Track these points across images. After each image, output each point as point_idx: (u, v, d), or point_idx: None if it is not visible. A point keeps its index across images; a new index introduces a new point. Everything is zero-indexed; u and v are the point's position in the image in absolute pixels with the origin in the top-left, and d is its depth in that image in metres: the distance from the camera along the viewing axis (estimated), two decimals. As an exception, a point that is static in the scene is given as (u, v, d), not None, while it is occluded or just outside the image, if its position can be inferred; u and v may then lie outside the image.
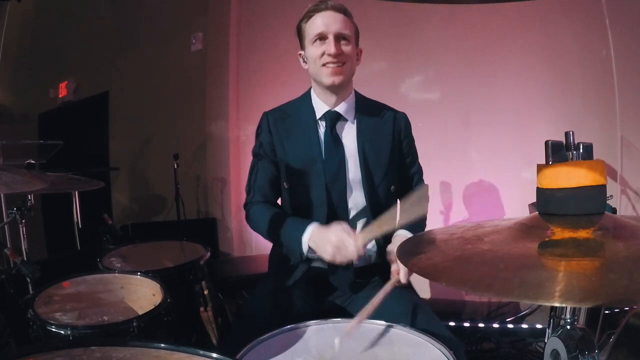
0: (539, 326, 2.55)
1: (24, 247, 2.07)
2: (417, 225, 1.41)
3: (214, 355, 0.71)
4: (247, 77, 3.47)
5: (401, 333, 1.06)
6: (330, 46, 1.33)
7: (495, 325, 2.62)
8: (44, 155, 2.70)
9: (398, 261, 1.17)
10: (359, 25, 1.43)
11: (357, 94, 1.50)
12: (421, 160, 1.57)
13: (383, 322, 1.09)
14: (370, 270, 1.42)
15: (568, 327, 0.71)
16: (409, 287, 1.40)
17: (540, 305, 2.36)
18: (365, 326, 1.10)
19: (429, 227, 1.48)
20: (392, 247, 1.31)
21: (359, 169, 1.40)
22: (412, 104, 3.00)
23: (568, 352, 0.68)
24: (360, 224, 1.40)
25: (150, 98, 3.82)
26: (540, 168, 0.79)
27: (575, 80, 2.72)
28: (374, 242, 1.41)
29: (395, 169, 1.46)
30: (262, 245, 3.17)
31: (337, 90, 1.40)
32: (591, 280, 0.57)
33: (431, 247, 0.80)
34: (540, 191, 0.78)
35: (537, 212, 0.79)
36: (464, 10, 2.93)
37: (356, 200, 1.40)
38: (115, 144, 4.14)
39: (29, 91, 4.63)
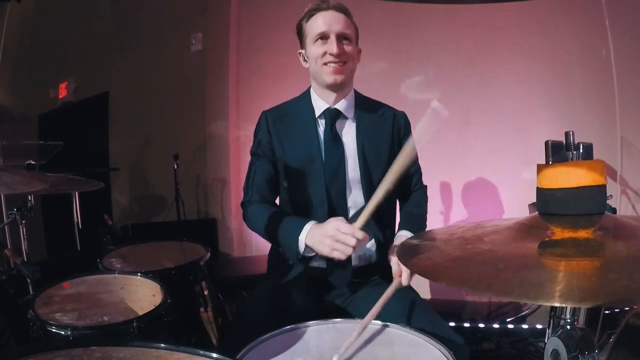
0: (539, 326, 2.55)
1: (24, 247, 2.07)
2: (418, 226, 1.42)
3: (214, 355, 0.71)
4: (247, 77, 3.47)
5: (401, 333, 1.06)
6: (332, 46, 1.33)
7: (496, 326, 2.62)
8: (44, 156, 2.70)
9: (400, 263, 1.16)
10: (359, 25, 1.43)
11: (356, 93, 1.50)
12: (421, 160, 1.57)
13: (383, 322, 1.09)
14: (369, 270, 1.42)
15: (568, 327, 0.71)
16: (408, 286, 1.40)
17: (540, 305, 2.36)
18: (365, 326, 1.10)
19: (429, 227, 1.48)
20: (394, 249, 1.30)
21: (358, 167, 1.40)
22: (412, 104, 2.99)
23: (568, 352, 0.68)
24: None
25: (150, 98, 3.82)
26: (540, 168, 0.79)
27: (575, 80, 2.72)
28: (373, 241, 1.41)
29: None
30: (262, 246, 3.17)
31: (337, 88, 1.41)
32: (591, 280, 0.57)
33: (431, 247, 0.80)
34: (540, 191, 0.79)
35: (537, 212, 0.79)
36: (464, 10, 2.94)
37: (355, 199, 1.40)
38: (115, 144, 4.14)
39: (29, 91, 4.62)
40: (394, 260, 1.24)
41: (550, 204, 0.76)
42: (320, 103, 1.43)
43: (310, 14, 1.39)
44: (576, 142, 0.78)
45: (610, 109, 2.62)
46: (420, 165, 1.58)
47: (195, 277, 1.79)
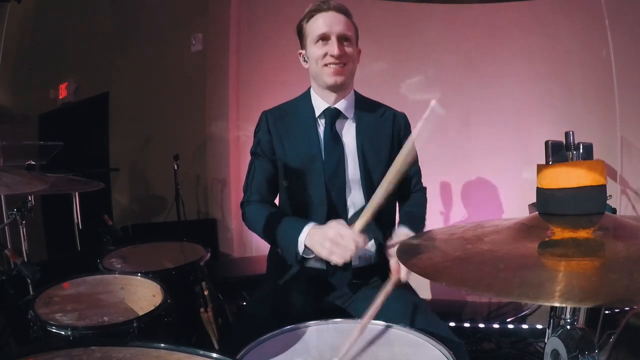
0: (539, 326, 2.55)
1: (24, 248, 2.07)
2: (417, 225, 1.41)
3: (214, 355, 0.71)
4: (247, 77, 3.47)
5: (401, 333, 1.06)
6: (333, 47, 1.33)
7: (496, 326, 2.62)
8: (44, 156, 2.70)
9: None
10: (359, 25, 1.44)
11: (356, 93, 1.50)
12: (421, 160, 1.57)
13: (383, 322, 1.09)
14: (369, 271, 1.42)
15: (568, 327, 0.71)
16: (408, 287, 1.40)
17: (540, 305, 2.36)
18: (365, 326, 1.10)
19: (429, 227, 1.48)
20: (392, 244, 1.29)
21: (358, 167, 1.40)
22: (412, 104, 3.00)
23: (568, 352, 0.68)
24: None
25: (150, 98, 3.82)
26: (540, 168, 0.79)
27: (575, 80, 2.72)
28: (373, 241, 1.41)
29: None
30: (262, 246, 3.17)
31: (337, 89, 1.41)
32: (591, 280, 0.57)
33: (431, 247, 0.80)
34: (540, 191, 0.79)
35: (537, 212, 0.79)
36: (464, 10, 2.94)
37: (355, 199, 1.40)
38: (115, 145, 4.14)
39: (29, 91, 4.62)
40: (392, 256, 1.23)
41: (550, 204, 0.76)
42: (320, 103, 1.44)
43: (310, 15, 1.39)
44: (576, 142, 0.78)
45: (610, 109, 2.62)
46: (421, 166, 1.58)
47: (195, 277, 1.79)
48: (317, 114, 1.43)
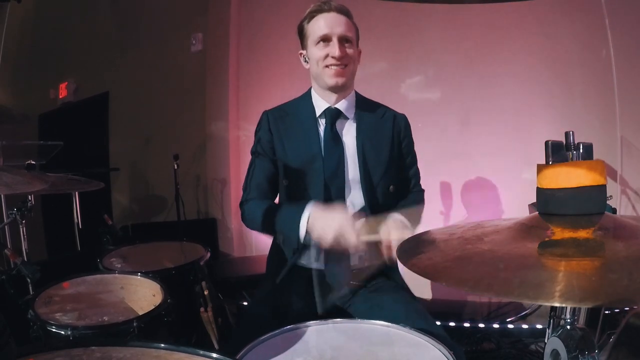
0: (539, 326, 2.55)
1: (24, 247, 2.07)
2: (412, 217, 1.38)
3: (214, 355, 0.71)
4: (247, 77, 3.47)
5: (401, 333, 1.06)
6: (334, 49, 1.34)
7: (496, 326, 2.62)
8: (44, 156, 2.71)
9: (391, 232, 1.16)
10: (359, 25, 1.44)
11: (357, 94, 1.50)
12: (421, 160, 1.57)
13: (383, 322, 1.09)
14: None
15: (568, 327, 0.71)
16: (406, 289, 1.40)
17: (540, 305, 2.36)
18: (365, 326, 1.10)
19: (429, 227, 1.48)
20: (386, 223, 1.24)
21: (358, 167, 1.40)
22: (412, 104, 3.00)
23: (568, 352, 0.68)
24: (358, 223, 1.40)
25: (150, 98, 3.82)
26: (540, 168, 0.79)
27: (575, 80, 2.72)
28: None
29: (394, 169, 1.46)
30: (262, 246, 3.17)
31: (338, 90, 1.41)
32: (591, 280, 0.57)
33: (431, 247, 0.80)
34: (540, 191, 0.79)
35: (537, 212, 0.79)
36: (464, 10, 2.93)
37: (355, 199, 1.40)
38: (115, 144, 4.14)
39: (29, 91, 4.62)
40: (384, 230, 1.19)
41: (550, 204, 0.76)
42: (321, 103, 1.44)
43: (311, 16, 1.39)
44: (576, 142, 0.78)
45: (610, 109, 2.62)
46: (421, 166, 1.57)
47: (195, 277, 1.79)
48: (318, 113, 1.43)
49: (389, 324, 1.09)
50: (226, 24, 3.45)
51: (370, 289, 1.38)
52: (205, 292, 1.59)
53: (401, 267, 1.30)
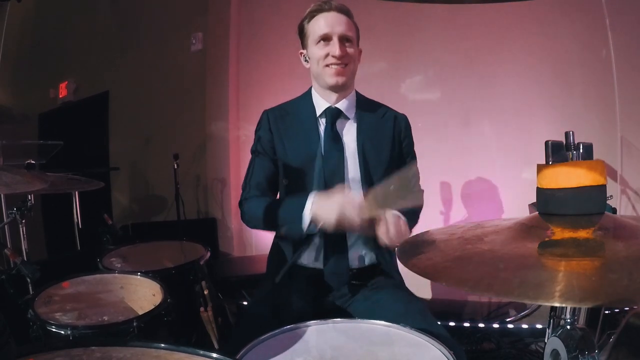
0: (539, 326, 2.55)
1: (24, 247, 2.07)
2: (409, 216, 1.38)
3: (214, 355, 0.71)
4: (247, 77, 3.47)
5: (401, 333, 1.06)
6: (335, 48, 1.34)
7: (496, 326, 2.62)
8: (44, 156, 2.70)
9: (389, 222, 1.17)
10: (359, 25, 1.44)
11: (358, 94, 1.50)
12: (421, 160, 1.57)
13: (383, 322, 1.09)
14: (369, 272, 1.42)
15: (568, 327, 0.71)
16: (406, 289, 1.40)
17: (540, 305, 2.36)
18: (365, 326, 1.10)
19: (429, 227, 1.48)
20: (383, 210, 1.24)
21: (358, 167, 1.40)
22: (412, 104, 3.00)
23: (568, 352, 0.68)
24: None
25: (150, 98, 3.82)
26: (540, 168, 0.79)
27: (575, 80, 2.72)
28: (372, 242, 1.40)
29: (395, 169, 1.45)
30: (262, 245, 3.18)
31: (339, 89, 1.41)
32: (591, 280, 0.57)
33: (431, 247, 0.80)
34: (540, 191, 0.79)
35: (537, 212, 0.79)
36: (464, 10, 2.93)
37: (355, 199, 1.40)
38: (115, 144, 4.14)
39: (29, 91, 4.62)
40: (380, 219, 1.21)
41: (550, 204, 0.76)
42: (321, 102, 1.44)
43: (312, 15, 1.39)
44: (576, 142, 0.78)
45: (610, 109, 2.62)
46: (421, 166, 1.57)
47: (195, 276, 1.79)
48: (318, 113, 1.43)
49: (389, 323, 1.09)
50: (226, 24, 3.45)
51: (370, 287, 1.38)
52: (205, 292, 1.59)
53: (401, 267, 1.30)
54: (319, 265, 1.38)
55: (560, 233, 0.72)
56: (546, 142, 0.79)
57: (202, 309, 1.54)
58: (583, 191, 0.73)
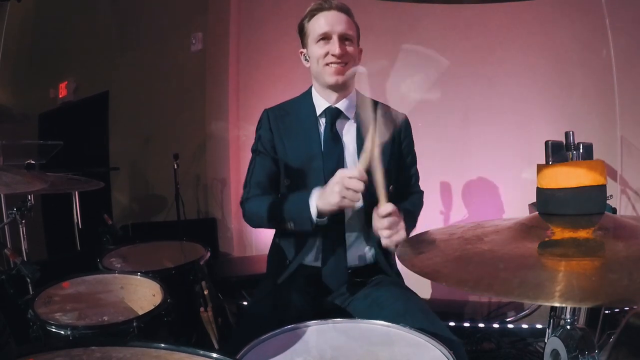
0: (539, 326, 2.55)
1: (24, 247, 2.07)
2: (408, 219, 1.38)
3: (214, 355, 0.71)
4: (247, 77, 3.47)
5: (401, 333, 1.06)
6: (334, 46, 1.34)
7: (496, 326, 2.62)
8: (44, 156, 2.70)
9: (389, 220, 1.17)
10: (359, 24, 1.44)
11: (358, 94, 1.50)
12: (421, 160, 1.57)
13: (383, 322, 1.09)
14: (368, 271, 1.42)
15: (568, 327, 0.71)
16: (407, 287, 1.40)
17: (540, 305, 2.36)
18: (365, 326, 1.10)
19: (429, 227, 1.48)
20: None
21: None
22: (412, 104, 2.99)
23: (568, 352, 0.68)
24: (357, 223, 1.40)
25: (150, 98, 3.82)
26: (540, 168, 0.79)
27: (575, 80, 2.72)
28: (371, 242, 1.41)
29: (394, 169, 1.46)
30: (262, 245, 3.18)
31: (338, 89, 1.41)
32: (591, 280, 0.57)
33: (431, 247, 0.80)
34: (540, 191, 0.79)
35: (537, 212, 0.79)
36: (464, 10, 2.93)
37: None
38: (115, 144, 4.14)
39: (29, 91, 4.63)
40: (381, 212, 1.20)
41: (550, 204, 0.76)
42: (321, 102, 1.44)
43: (312, 14, 1.39)
44: (576, 142, 0.78)
45: (610, 109, 2.62)
46: (420, 166, 1.57)
47: (195, 276, 1.79)
48: (318, 113, 1.43)
49: (389, 323, 1.09)
50: (226, 23, 3.45)
51: (369, 286, 1.38)
52: (205, 292, 1.59)
53: (401, 267, 1.30)
54: (318, 264, 1.38)
55: (560, 233, 0.72)
56: (546, 142, 0.80)
57: (202, 309, 1.54)
58: (583, 191, 0.73)
